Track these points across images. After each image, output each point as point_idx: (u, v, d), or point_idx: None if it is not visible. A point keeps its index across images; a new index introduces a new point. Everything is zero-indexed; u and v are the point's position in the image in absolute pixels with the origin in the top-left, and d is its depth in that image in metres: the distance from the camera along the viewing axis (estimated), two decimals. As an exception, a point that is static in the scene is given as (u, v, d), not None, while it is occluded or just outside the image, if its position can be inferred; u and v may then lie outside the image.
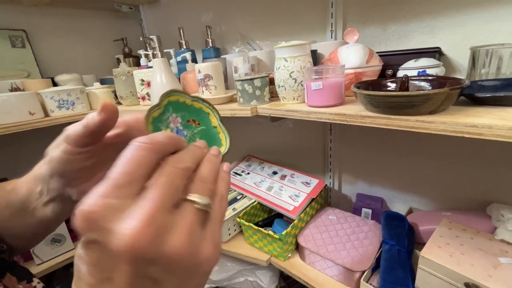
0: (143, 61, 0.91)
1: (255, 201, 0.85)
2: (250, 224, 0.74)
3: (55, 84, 0.89)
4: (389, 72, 0.62)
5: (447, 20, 0.62)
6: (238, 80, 0.60)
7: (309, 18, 0.81)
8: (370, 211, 0.80)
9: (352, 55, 0.54)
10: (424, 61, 0.53)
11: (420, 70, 0.52)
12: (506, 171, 0.63)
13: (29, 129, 0.73)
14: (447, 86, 0.38)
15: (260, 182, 0.90)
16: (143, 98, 0.80)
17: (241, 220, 0.77)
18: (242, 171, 0.98)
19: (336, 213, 0.82)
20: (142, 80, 0.77)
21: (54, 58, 1.00)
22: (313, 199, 0.81)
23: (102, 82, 1.00)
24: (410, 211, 0.80)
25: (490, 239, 0.53)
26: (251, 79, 0.58)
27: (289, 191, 0.83)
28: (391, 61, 0.63)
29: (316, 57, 0.67)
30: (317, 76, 0.49)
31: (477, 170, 0.67)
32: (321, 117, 0.48)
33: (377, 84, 0.46)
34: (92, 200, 0.14)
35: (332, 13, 0.74)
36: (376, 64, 0.55)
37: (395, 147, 0.78)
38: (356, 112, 0.44)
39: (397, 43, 0.70)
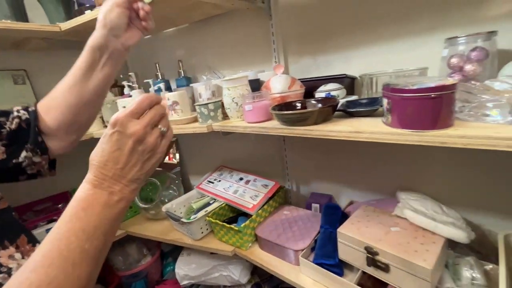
0: (126, 90, 1.09)
1: (223, 203, 1.01)
2: (217, 221, 0.90)
3: (51, 113, 1.05)
4: (315, 93, 0.81)
5: (357, 52, 0.82)
6: (196, 105, 0.78)
7: (259, 52, 1.01)
8: (318, 205, 0.97)
9: (278, 83, 0.72)
10: (330, 86, 0.72)
11: (327, 93, 0.71)
12: (408, 167, 0.81)
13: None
14: (326, 105, 0.56)
15: (228, 187, 1.06)
16: (126, 122, 0.97)
17: (210, 219, 0.92)
18: (215, 179, 1.14)
19: (291, 209, 0.98)
20: (124, 107, 0.94)
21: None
22: (270, 198, 0.97)
23: (92, 109, 1.18)
24: (350, 203, 0.96)
25: (390, 215, 0.70)
26: (206, 104, 0.76)
27: (250, 193, 0.99)
28: (318, 84, 0.82)
29: (259, 84, 0.86)
30: (248, 101, 0.67)
31: (388, 166, 0.85)
32: (253, 130, 0.66)
33: (289, 105, 0.65)
34: (120, 114, 0.32)
35: (274, 48, 0.94)
36: (298, 89, 0.74)
37: (334, 152, 0.96)
38: (273, 125, 0.62)
39: (325, 70, 0.90)
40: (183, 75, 1.11)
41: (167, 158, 1.45)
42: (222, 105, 0.79)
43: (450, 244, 0.63)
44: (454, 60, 0.56)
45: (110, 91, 1.21)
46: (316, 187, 1.08)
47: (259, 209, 0.92)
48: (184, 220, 0.94)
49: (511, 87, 0.43)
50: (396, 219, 0.69)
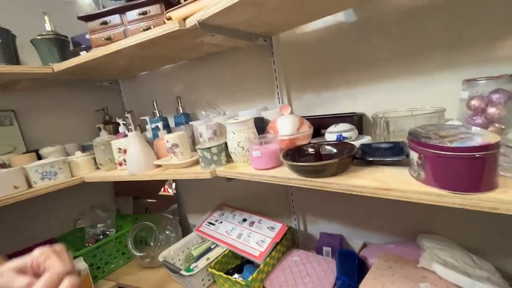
0: (121, 128, 1.04)
1: (226, 249, 0.92)
2: (220, 273, 0.81)
3: (39, 156, 0.98)
4: (323, 131, 0.77)
5: (363, 89, 0.79)
6: (198, 149, 0.72)
7: (261, 88, 0.99)
8: (329, 249, 0.89)
9: (285, 125, 0.68)
10: (341, 126, 0.68)
11: (338, 134, 0.67)
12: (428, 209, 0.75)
13: (13, 202, 0.80)
14: (345, 153, 0.52)
15: (231, 230, 0.98)
16: (120, 164, 0.90)
17: (212, 270, 0.83)
18: (216, 220, 1.06)
19: (300, 254, 0.90)
20: (119, 149, 0.88)
21: (39, 131, 1.10)
22: (277, 243, 0.89)
23: (84, 148, 1.11)
24: (364, 246, 0.89)
25: (415, 267, 0.64)
26: (209, 148, 0.71)
27: (256, 237, 0.91)
28: (324, 121, 0.78)
29: (263, 123, 0.81)
30: (256, 146, 0.62)
31: (404, 207, 0.79)
32: (261, 179, 0.60)
33: (300, 150, 0.60)
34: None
35: (277, 85, 0.92)
36: (306, 130, 0.70)
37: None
38: (284, 175, 0.56)
39: (329, 107, 0.87)
40: (181, 111, 1.06)
41: (162, 189, 1.36)
42: (226, 147, 0.74)
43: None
44: (475, 103, 0.53)
45: (103, 129, 1.16)
46: (325, 226, 1.01)
47: (267, 257, 0.84)
48: (183, 272, 0.85)
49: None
50: (423, 271, 0.62)
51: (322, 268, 0.82)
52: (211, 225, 1.04)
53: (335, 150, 0.57)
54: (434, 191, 0.38)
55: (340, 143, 0.59)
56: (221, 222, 1.04)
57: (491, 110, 0.51)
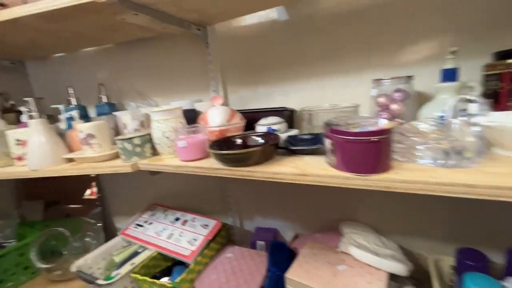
0: (24, 117, 0.87)
1: (155, 251, 0.85)
2: (144, 277, 0.74)
3: None
4: (256, 125, 0.78)
5: (295, 86, 0.82)
6: (118, 140, 0.64)
7: (196, 80, 0.95)
8: (263, 243, 0.90)
9: (216, 116, 0.66)
10: (271, 119, 0.69)
11: (268, 127, 0.67)
12: (350, 198, 0.83)
13: None
14: (269, 142, 0.52)
15: (161, 231, 0.91)
16: (20, 159, 0.75)
17: (136, 275, 0.75)
18: (145, 222, 0.97)
19: (235, 250, 0.89)
20: (18, 140, 0.74)
21: None
22: (211, 241, 0.86)
23: (-29, 141, 0.89)
24: (296, 237, 0.93)
25: (336, 252, 0.68)
26: (130, 138, 0.64)
27: (188, 236, 0.86)
28: (259, 115, 0.78)
29: (195, 115, 0.78)
30: (182, 136, 0.58)
31: (330, 198, 0.85)
32: (187, 170, 0.57)
33: (229, 141, 0.59)
34: None
35: (212, 77, 0.89)
36: (237, 122, 0.69)
37: (277, 184, 0.93)
38: (210, 165, 0.54)
39: (265, 101, 0.88)
40: (105, 101, 0.95)
41: (88, 192, 1.19)
42: (151, 139, 0.68)
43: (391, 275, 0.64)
44: (381, 100, 0.60)
45: (1, 118, 0.95)
46: (261, 221, 1.02)
47: (198, 256, 0.80)
48: (100, 282, 0.75)
49: (433, 128, 0.46)
50: (342, 255, 0.67)
51: (255, 262, 0.82)
52: (139, 227, 0.95)
53: (261, 141, 0.57)
54: (342, 174, 0.41)
55: (266, 134, 0.59)
56: (151, 223, 0.96)
57: (393, 106, 0.58)
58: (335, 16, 0.71)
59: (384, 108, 0.60)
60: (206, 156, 0.60)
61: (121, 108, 1.05)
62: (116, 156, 0.71)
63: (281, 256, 0.78)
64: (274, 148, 0.52)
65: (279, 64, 0.83)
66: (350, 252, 0.64)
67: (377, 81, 0.60)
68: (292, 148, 0.54)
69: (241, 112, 0.80)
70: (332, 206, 0.86)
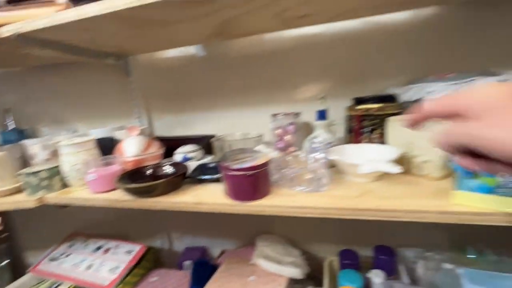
0: None
1: (71, 285, 0.81)
2: (55, 316, 0.70)
3: None
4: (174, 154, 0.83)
5: (215, 114, 0.91)
6: (21, 174, 0.62)
7: (120, 106, 0.96)
8: (190, 262, 0.94)
9: (131, 146, 0.69)
10: (187, 147, 0.75)
11: (183, 155, 0.73)
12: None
13: None
14: (177, 173, 0.58)
15: (80, 263, 0.87)
16: None
17: (45, 315, 0.71)
18: (62, 254, 0.92)
19: (160, 273, 0.90)
20: None
21: None
22: (135, 266, 0.86)
23: None
24: (222, 253, 0.99)
25: (248, 265, 0.77)
26: (35, 172, 0.62)
27: (109, 265, 0.85)
28: (181, 143, 0.83)
29: (112, 144, 0.79)
30: (91, 170, 0.60)
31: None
32: (95, 204, 0.59)
33: (139, 172, 0.62)
34: None
35: (135, 105, 0.92)
36: (155, 151, 0.73)
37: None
38: (117, 197, 0.57)
39: (189, 128, 0.94)
40: (13, 126, 0.88)
41: None
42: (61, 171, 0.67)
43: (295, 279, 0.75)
44: (278, 131, 0.72)
45: None
46: (190, 240, 1.05)
47: (120, 284, 0.79)
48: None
49: (300, 160, 0.58)
50: (254, 267, 0.75)
51: (180, 282, 0.85)
52: (53, 261, 0.89)
53: (172, 170, 0.63)
54: (229, 202, 0.49)
55: (176, 163, 0.65)
56: (68, 256, 0.91)
57: (287, 137, 0.71)
58: (244, 56, 0.83)
59: (280, 138, 0.72)
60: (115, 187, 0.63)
61: (33, 134, 0.98)
62: (20, 190, 0.68)
63: (203, 274, 0.83)
64: (182, 178, 0.58)
65: (200, 94, 0.90)
66: (258, 263, 0.73)
67: (274, 115, 0.72)
68: (197, 177, 0.60)
69: (164, 139, 0.84)
70: (253, 222, 0.95)
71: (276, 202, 0.47)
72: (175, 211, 1.03)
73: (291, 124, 0.71)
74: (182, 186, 0.60)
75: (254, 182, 0.47)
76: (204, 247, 1.03)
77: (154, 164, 0.66)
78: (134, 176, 0.61)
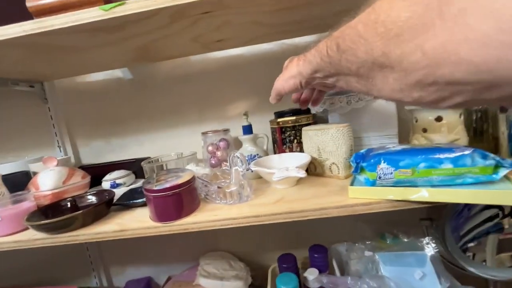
0: None
1: None
2: None
3: None
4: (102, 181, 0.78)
5: (148, 136, 0.89)
6: None
7: (38, 135, 0.88)
8: (131, 296, 0.87)
9: (47, 179, 0.64)
10: (116, 174, 0.72)
11: (112, 182, 0.70)
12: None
13: None
14: (92, 206, 0.55)
15: (-9, 322, 0.74)
16: None
17: None
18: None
19: (97, 315, 0.82)
20: None
21: None
22: (64, 313, 0.77)
23: None
24: (168, 279, 0.94)
25: (193, 286, 0.75)
26: None
27: (31, 318, 0.74)
28: (112, 168, 0.79)
29: (28, 179, 0.72)
30: (-4, 210, 0.53)
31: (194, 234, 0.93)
32: (2, 248, 0.52)
33: (56, 206, 0.58)
34: None
35: (56, 133, 0.85)
36: (78, 181, 0.68)
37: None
38: (29, 237, 0.52)
39: (120, 153, 0.90)
40: None
41: None
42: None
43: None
44: (210, 148, 0.74)
45: None
46: (132, 272, 0.99)
47: (44, 338, 0.70)
48: None
49: (232, 173, 0.61)
50: (197, 287, 0.74)
51: (119, 321, 0.79)
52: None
53: (95, 200, 0.60)
54: (153, 224, 0.49)
55: (101, 192, 0.62)
56: (-25, 317, 0.76)
57: (218, 153, 0.73)
58: (172, 77, 0.84)
59: (213, 154, 0.74)
60: (25, 227, 0.57)
61: None
62: None
63: (145, 306, 0.78)
64: (106, 206, 0.55)
65: (131, 117, 0.88)
66: (199, 283, 0.72)
67: (204, 134, 0.74)
68: (124, 203, 0.59)
69: (91, 167, 0.80)
70: (197, 241, 0.94)
71: (199, 219, 0.48)
72: (111, 244, 0.96)
73: (222, 140, 0.74)
74: (107, 215, 0.57)
75: (176, 202, 0.48)
76: (148, 278, 0.97)
77: (75, 196, 0.61)
78: (51, 211, 0.56)
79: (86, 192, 0.62)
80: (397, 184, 0.44)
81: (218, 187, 0.53)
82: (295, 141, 0.67)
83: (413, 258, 0.62)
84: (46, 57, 0.60)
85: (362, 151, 0.50)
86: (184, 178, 0.50)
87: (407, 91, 0.25)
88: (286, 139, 0.68)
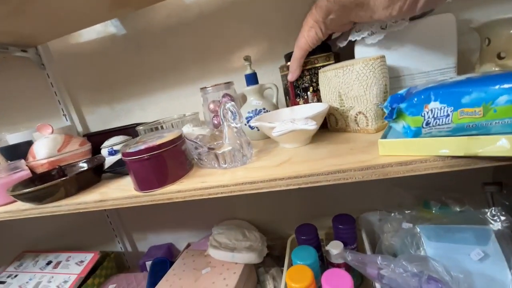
0: None
1: (17, 308, 0.74)
2: None
3: None
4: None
5: (151, 99, 0.81)
6: None
7: (41, 105, 0.85)
8: (150, 262, 0.87)
9: (42, 147, 0.60)
10: (114, 140, 0.66)
11: (109, 149, 0.65)
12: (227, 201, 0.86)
13: None
14: (73, 173, 0.49)
15: (27, 282, 0.80)
16: None
17: None
18: (9, 276, 0.84)
19: (120, 280, 0.84)
20: None
21: None
22: (88, 276, 0.79)
23: None
24: (187, 246, 0.93)
25: (204, 256, 0.71)
26: None
27: (59, 280, 0.78)
28: (114, 135, 0.74)
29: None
30: (-14, 180, 0.51)
31: (212, 202, 0.88)
32: (-4, 217, 0.50)
33: (45, 176, 0.54)
34: None
35: (59, 100, 0.81)
36: (75, 148, 0.64)
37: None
38: (18, 207, 0.48)
39: (125, 118, 0.85)
40: None
41: None
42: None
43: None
44: (211, 106, 0.63)
45: None
46: (154, 239, 0.99)
47: (70, 298, 0.73)
48: None
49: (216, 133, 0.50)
50: (208, 258, 0.69)
51: (140, 285, 0.79)
52: (-1, 285, 0.81)
53: (86, 168, 0.55)
54: (134, 193, 0.41)
55: (92, 158, 0.57)
56: (15, 277, 0.83)
57: (221, 111, 0.63)
58: (167, 28, 0.72)
59: (215, 113, 0.64)
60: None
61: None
62: None
63: (161, 273, 0.77)
64: (95, 174, 0.50)
65: (130, 79, 0.80)
66: (209, 253, 0.66)
67: (203, 89, 0.63)
68: (112, 170, 0.52)
69: (93, 135, 0.75)
70: (214, 209, 0.89)
71: (185, 186, 0.39)
72: (129, 211, 0.96)
73: (224, 95, 0.63)
74: (98, 183, 0.52)
75: (156, 166, 0.39)
76: (169, 244, 0.97)
77: (67, 164, 0.57)
78: (39, 180, 0.52)
79: (78, 161, 0.57)
80: (457, 132, 0.29)
81: (209, 148, 0.43)
82: (311, 89, 0.53)
83: (470, 233, 0.47)
84: (10, 3, 0.52)
85: (401, 91, 0.34)
86: (166, 138, 0.41)
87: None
88: (299, 87, 0.54)
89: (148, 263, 0.88)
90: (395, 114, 0.32)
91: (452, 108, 0.28)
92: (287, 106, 0.58)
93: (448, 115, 0.28)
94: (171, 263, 0.80)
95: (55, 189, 0.45)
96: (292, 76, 0.50)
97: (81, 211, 0.44)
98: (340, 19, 0.41)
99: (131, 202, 0.41)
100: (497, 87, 0.26)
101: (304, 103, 0.54)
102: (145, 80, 0.79)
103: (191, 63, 0.74)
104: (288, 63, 0.53)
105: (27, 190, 0.44)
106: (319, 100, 0.53)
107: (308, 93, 0.53)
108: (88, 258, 0.83)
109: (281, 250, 0.79)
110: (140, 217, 0.96)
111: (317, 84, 0.51)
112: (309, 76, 0.52)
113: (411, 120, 0.30)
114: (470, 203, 0.58)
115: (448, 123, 0.28)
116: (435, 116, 0.29)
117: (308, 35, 0.44)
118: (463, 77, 0.30)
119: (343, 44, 0.50)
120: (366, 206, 0.71)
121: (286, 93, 0.57)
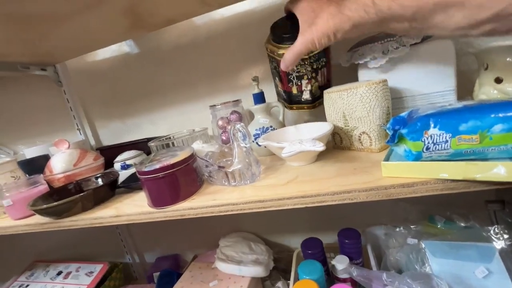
0: None
1: (28, 318, 0.75)
2: None
3: None
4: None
5: (161, 114, 0.84)
6: None
7: (57, 120, 0.89)
8: (158, 273, 0.89)
9: (59, 162, 0.63)
10: (126, 154, 0.69)
11: (122, 163, 0.67)
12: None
13: None
14: (89, 188, 0.52)
15: (38, 292, 0.81)
16: None
17: None
18: (20, 286, 0.86)
19: (128, 290, 0.85)
20: None
21: None
22: (99, 285, 0.81)
23: None
24: (194, 258, 0.94)
25: (211, 269, 0.72)
26: None
27: (69, 290, 0.79)
28: (125, 149, 0.77)
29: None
30: (8, 194, 0.54)
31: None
32: (17, 231, 0.53)
33: (63, 190, 0.56)
34: None
35: (74, 115, 0.85)
36: (90, 163, 0.67)
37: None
38: (37, 220, 0.51)
39: (135, 133, 0.88)
40: None
41: None
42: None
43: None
44: (220, 123, 0.66)
45: None
46: (162, 250, 1.00)
47: (80, 309, 0.74)
48: None
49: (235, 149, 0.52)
50: (216, 271, 0.70)
51: (147, 297, 0.80)
52: (11, 295, 0.83)
53: (100, 182, 0.57)
54: (148, 210, 0.43)
55: (107, 173, 0.59)
56: (27, 286, 0.85)
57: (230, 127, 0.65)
58: (178, 47, 0.76)
59: (223, 130, 0.66)
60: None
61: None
62: None
63: (169, 285, 0.78)
64: (109, 189, 0.52)
65: (142, 95, 0.84)
66: (217, 266, 0.68)
67: (212, 107, 0.66)
68: (126, 186, 0.55)
69: (105, 149, 0.78)
70: (222, 221, 0.90)
71: (196, 204, 0.41)
72: (138, 224, 0.98)
73: (233, 113, 0.65)
74: (112, 197, 0.54)
75: (170, 184, 0.42)
76: (176, 255, 0.98)
77: (83, 179, 0.59)
78: (57, 195, 0.55)
79: (93, 175, 0.60)
80: (456, 157, 0.30)
81: (219, 167, 0.45)
82: (305, 77, 0.53)
83: (474, 250, 0.48)
84: (35, 32, 0.56)
85: (403, 114, 0.36)
86: (179, 157, 0.43)
87: (477, 25, 0.27)
88: (292, 74, 0.54)
89: (156, 275, 0.89)
90: (396, 139, 0.34)
91: (451, 134, 0.30)
92: (276, 90, 0.60)
93: (447, 141, 0.30)
94: (178, 275, 0.81)
95: (73, 204, 0.48)
96: (285, 67, 0.42)
97: (97, 225, 0.47)
98: (368, 30, 0.34)
99: (145, 218, 0.43)
100: (492, 115, 0.28)
101: (297, 90, 0.54)
102: (156, 96, 0.82)
103: (200, 80, 0.77)
104: (279, 46, 0.52)
105: (47, 205, 0.46)
106: (313, 88, 0.53)
107: (303, 81, 0.53)
108: (98, 269, 0.85)
109: (287, 263, 0.80)
110: (148, 228, 0.98)
111: (312, 73, 0.52)
112: (303, 65, 0.52)
113: (412, 145, 0.32)
114: (475, 219, 0.58)
115: (447, 149, 0.30)
116: (435, 141, 0.31)
117: (319, 41, 0.36)
118: (460, 104, 0.32)
119: (345, 65, 0.53)
120: (371, 220, 0.71)
121: (275, 74, 0.58)
